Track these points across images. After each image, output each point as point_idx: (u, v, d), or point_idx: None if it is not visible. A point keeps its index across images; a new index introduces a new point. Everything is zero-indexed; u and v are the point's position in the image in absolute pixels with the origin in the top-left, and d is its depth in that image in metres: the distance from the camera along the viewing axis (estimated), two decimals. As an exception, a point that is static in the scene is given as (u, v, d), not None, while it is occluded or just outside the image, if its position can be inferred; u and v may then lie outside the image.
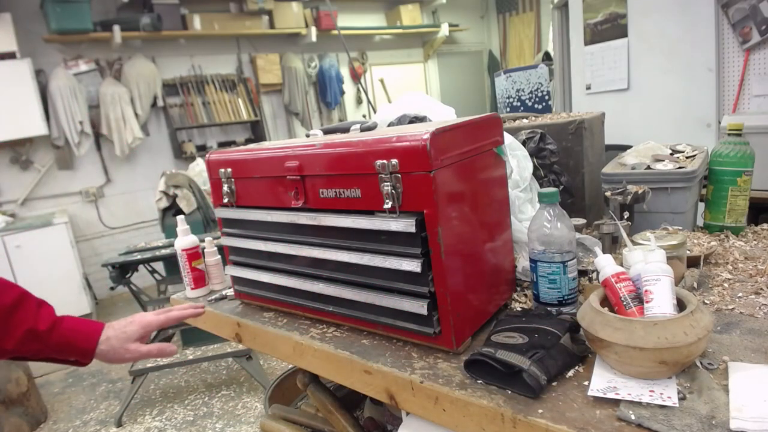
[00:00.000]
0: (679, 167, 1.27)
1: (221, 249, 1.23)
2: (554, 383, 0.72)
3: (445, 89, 7.30)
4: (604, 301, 0.79)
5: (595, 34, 3.01)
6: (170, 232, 3.50)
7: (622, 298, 0.76)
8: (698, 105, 2.61)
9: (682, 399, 0.64)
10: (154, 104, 4.95)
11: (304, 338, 0.98)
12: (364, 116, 6.48)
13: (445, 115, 1.25)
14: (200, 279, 1.31)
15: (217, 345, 2.81)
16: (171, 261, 3.16)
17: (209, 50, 5.35)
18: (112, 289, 3.05)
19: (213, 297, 1.27)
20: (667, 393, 0.65)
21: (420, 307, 0.82)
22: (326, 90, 6.00)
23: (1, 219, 4.02)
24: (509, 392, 0.72)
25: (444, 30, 6.75)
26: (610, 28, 2.92)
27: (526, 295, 1.01)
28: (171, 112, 5.08)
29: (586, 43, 3.08)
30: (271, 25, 5.49)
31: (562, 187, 1.37)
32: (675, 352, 0.65)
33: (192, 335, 3.20)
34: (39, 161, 4.54)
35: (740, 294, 0.93)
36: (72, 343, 0.85)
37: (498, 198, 0.96)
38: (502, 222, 0.97)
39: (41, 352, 0.85)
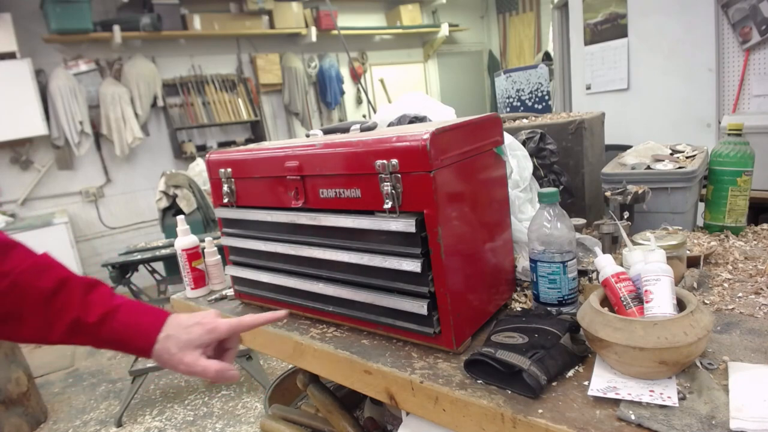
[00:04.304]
0: (679, 167, 1.27)
1: (221, 249, 1.23)
2: (554, 383, 0.72)
3: (445, 89, 7.30)
4: (604, 301, 0.79)
5: (595, 34, 3.01)
6: (170, 232, 3.50)
7: (622, 298, 0.76)
8: (698, 105, 2.61)
9: (682, 399, 0.64)
10: (154, 104, 4.95)
11: (304, 338, 0.98)
12: (364, 116, 6.48)
13: (445, 115, 1.25)
14: (200, 279, 1.31)
15: (217, 345, 2.81)
16: (171, 261, 3.16)
17: (209, 50, 5.35)
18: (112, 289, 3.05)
19: (213, 297, 1.28)
20: (667, 393, 0.65)
21: (420, 307, 0.82)
22: (326, 90, 6.00)
23: (1, 219, 4.02)
24: (509, 392, 0.72)
25: (444, 30, 6.75)
26: (610, 28, 2.92)
27: (526, 295, 1.01)
28: (171, 112, 5.08)
29: (586, 43, 3.08)
30: (271, 25, 5.49)
31: (562, 187, 1.37)
32: (675, 352, 0.65)
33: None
34: (39, 161, 4.54)
35: (740, 294, 0.93)
36: (125, 341, 0.71)
37: (498, 198, 0.96)
38: (502, 222, 0.97)
39: (96, 344, 0.72)
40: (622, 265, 0.87)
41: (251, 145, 1.12)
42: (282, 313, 0.81)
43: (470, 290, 0.86)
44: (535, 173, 1.27)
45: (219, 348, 0.77)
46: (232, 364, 0.76)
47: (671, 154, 1.40)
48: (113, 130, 4.65)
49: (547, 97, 3.51)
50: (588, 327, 0.72)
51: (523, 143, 1.34)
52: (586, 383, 0.71)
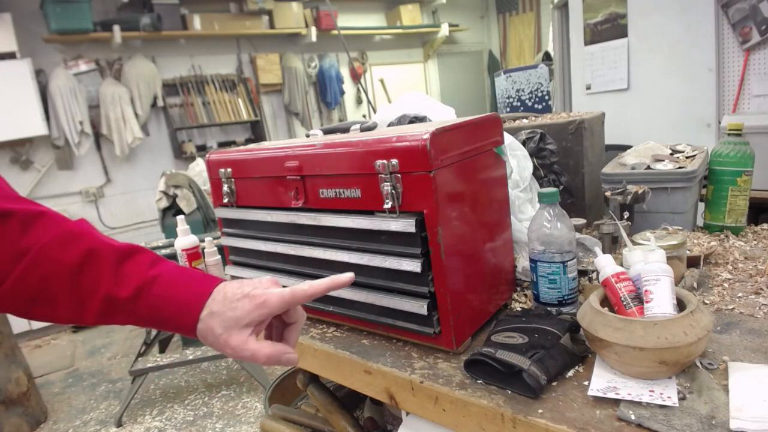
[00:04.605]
0: (679, 167, 1.27)
1: (221, 249, 1.23)
2: (554, 383, 0.72)
3: (445, 89, 7.30)
4: (604, 301, 0.79)
5: (595, 34, 3.01)
6: (170, 232, 3.49)
7: (622, 298, 0.76)
8: (698, 105, 2.61)
9: (682, 399, 0.64)
10: (154, 104, 4.95)
11: (304, 338, 0.98)
12: (364, 116, 6.48)
13: (445, 115, 1.25)
14: (200, 279, 1.30)
15: (217, 345, 2.81)
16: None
17: (209, 50, 5.35)
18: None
19: (213, 297, 1.27)
20: (667, 393, 0.65)
21: (420, 307, 0.82)
22: (326, 90, 6.00)
23: (1, 219, 4.01)
24: (509, 392, 0.72)
25: (444, 30, 6.75)
26: (610, 28, 2.92)
27: (526, 295, 1.01)
28: (171, 112, 5.08)
29: (586, 43, 3.08)
30: (271, 25, 5.49)
31: (562, 187, 1.37)
32: (675, 352, 0.65)
33: (192, 335, 3.18)
34: (39, 161, 4.54)
35: (740, 294, 0.93)
36: (165, 319, 0.60)
37: (498, 198, 0.96)
38: (502, 222, 0.97)
39: (136, 322, 0.62)
40: (622, 265, 0.87)
41: (251, 145, 1.12)
42: (347, 276, 0.68)
43: (470, 290, 0.86)
44: (535, 173, 1.27)
45: (280, 321, 0.66)
46: (295, 343, 0.66)
47: (671, 154, 1.40)
48: (113, 130, 4.65)
49: (547, 97, 3.51)
50: (588, 327, 0.72)
51: (523, 143, 1.34)
52: (586, 383, 0.71)
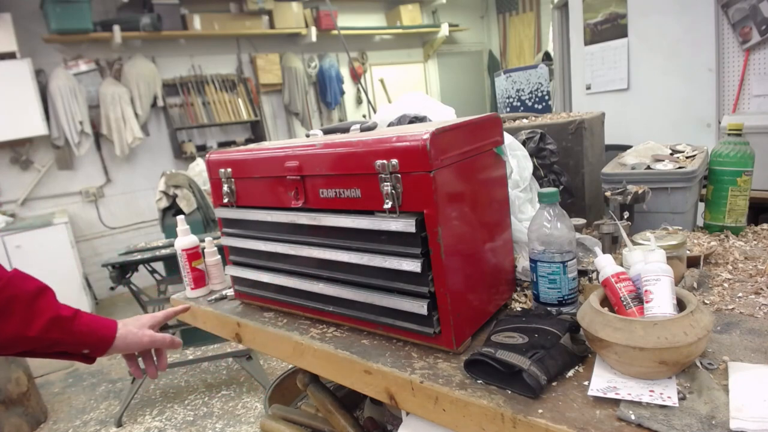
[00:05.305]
0: (679, 167, 1.27)
1: (221, 249, 1.23)
2: (554, 383, 0.72)
3: (445, 89, 7.30)
4: (604, 301, 0.79)
5: (595, 34, 3.01)
6: (170, 232, 3.50)
7: (622, 298, 0.76)
8: (698, 105, 2.61)
9: (682, 399, 0.64)
10: (154, 104, 4.95)
11: (304, 338, 0.98)
12: (364, 116, 6.48)
13: (445, 115, 1.25)
14: (200, 279, 1.30)
15: (217, 345, 2.81)
16: (171, 261, 3.15)
17: (209, 50, 5.36)
18: (112, 289, 3.05)
19: (213, 297, 1.28)
20: (667, 393, 0.65)
21: (420, 307, 0.82)
22: (326, 90, 6.01)
23: (1, 219, 4.02)
24: (509, 392, 0.72)
25: (444, 30, 6.76)
26: (610, 28, 2.92)
27: (526, 295, 1.01)
28: (171, 112, 5.08)
29: (586, 43, 3.08)
30: (271, 25, 5.50)
31: (562, 187, 1.37)
32: (675, 352, 0.65)
33: (192, 335, 3.19)
34: (39, 161, 4.54)
35: (740, 294, 0.93)
36: (93, 332, 0.89)
37: (498, 198, 0.96)
38: (502, 222, 0.97)
39: (58, 344, 0.86)
40: (622, 265, 0.87)
41: (251, 145, 1.12)
42: (183, 306, 1.21)
43: (470, 290, 0.86)
44: (535, 173, 1.27)
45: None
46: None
47: (671, 154, 1.40)
48: (113, 130, 4.66)
49: (547, 97, 3.51)
50: (588, 327, 0.72)
51: (523, 143, 1.34)
52: (586, 383, 0.71)
